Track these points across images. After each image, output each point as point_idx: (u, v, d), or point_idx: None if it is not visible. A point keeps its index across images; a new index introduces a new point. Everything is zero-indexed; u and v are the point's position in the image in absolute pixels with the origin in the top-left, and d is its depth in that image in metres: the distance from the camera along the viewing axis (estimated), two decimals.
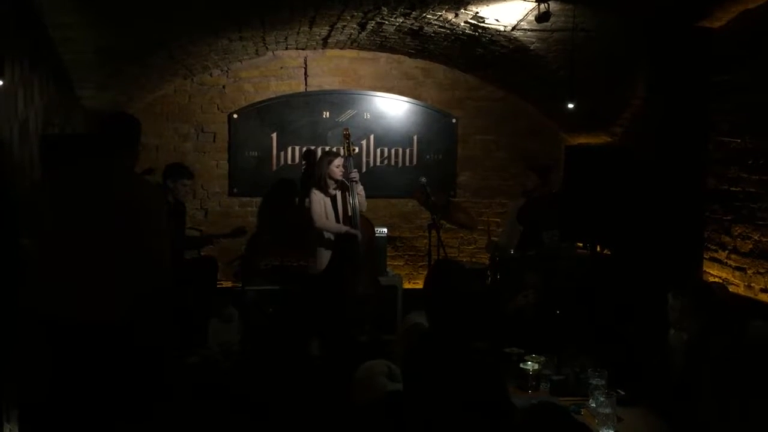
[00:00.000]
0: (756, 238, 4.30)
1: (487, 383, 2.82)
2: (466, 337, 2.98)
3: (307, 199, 5.74)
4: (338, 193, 5.71)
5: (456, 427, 2.69)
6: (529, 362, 3.40)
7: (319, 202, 5.61)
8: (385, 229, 6.41)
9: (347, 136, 5.88)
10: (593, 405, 2.99)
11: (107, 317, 3.04)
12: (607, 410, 2.89)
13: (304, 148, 6.72)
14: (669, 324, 3.40)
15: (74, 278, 3.05)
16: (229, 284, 6.39)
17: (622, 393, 3.10)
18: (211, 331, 5.74)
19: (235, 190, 6.71)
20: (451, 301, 2.95)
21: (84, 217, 3.08)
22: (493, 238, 6.15)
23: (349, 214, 5.64)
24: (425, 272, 4.50)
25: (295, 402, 4.72)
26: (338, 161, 5.66)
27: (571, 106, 4.87)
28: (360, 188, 5.68)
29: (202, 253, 6.09)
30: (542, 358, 3.43)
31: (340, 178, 5.63)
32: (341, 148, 6.06)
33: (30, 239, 3.30)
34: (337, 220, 5.65)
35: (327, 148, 6.62)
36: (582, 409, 3.04)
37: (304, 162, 6.66)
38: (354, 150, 6.02)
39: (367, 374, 3.47)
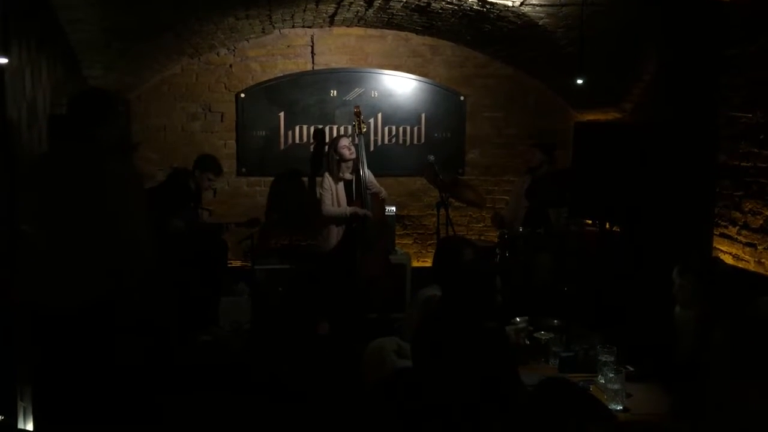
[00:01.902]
0: (767, 213, 4.27)
1: (496, 360, 2.83)
2: (475, 313, 2.99)
3: (318, 179, 5.78)
4: (353, 178, 5.74)
5: (464, 404, 2.70)
6: (542, 331, 3.44)
7: (330, 190, 5.65)
8: (394, 208, 6.42)
9: (358, 114, 5.91)
10: (602, 381, 3.00)
11: (88, 301, 3.08)
12: (616, 386, 2.90)
13: (313, 128, 6.71)
14: (675, 301, 3.40)
15: (53, 264, 3.10)
16: (238, 264, 6.43)
17: (631, 369, 3.10)
18: (221, 310, 5.78)
19: (243, 170, 6.71)
20: (460, 275, 2.96)
21: (56, 203, 3.11)
22: (498, 210, 6.16)
23: (362, 193, 5.68)
24: (434, 250, 4.52)
25: (305, 380, 4.76)
26: (344, 141, 5.70)
27: (580, 82, 4.83)
28: (383, 193, 5.84)
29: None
30: (551, 335, 3.45)
31: (351, 157, 5.66)
32: (352, 126, 6.07)
33: (28, 226, 3.32)
34: (351, 202, 5.70)
35: (335, 127, 6.64)
36: (591, 386, 3.05)
37: (313, 141, 6.67)
38: (363, 128, 6.03)
39: (377, 352, 3.49)
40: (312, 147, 6.68)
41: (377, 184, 5.91)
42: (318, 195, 5.81)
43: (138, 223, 3.19)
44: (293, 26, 6.49)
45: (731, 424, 2.33)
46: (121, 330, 3.23)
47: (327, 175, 5.73)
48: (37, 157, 3.63)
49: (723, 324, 2.49)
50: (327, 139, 6.51)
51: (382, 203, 5.91)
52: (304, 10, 5.83)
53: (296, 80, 6.67)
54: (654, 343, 3.40)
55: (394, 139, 6.84)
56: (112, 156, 3.24)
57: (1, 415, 3.35)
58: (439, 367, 2.81)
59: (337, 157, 5.66)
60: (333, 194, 5.67)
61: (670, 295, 3.36)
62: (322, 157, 6.25)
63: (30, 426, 3.54)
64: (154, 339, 4.68)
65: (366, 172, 5.77)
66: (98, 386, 3.17)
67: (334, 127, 6.68)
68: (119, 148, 3.68)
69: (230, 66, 6.61)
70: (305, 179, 6.66)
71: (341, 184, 5.71)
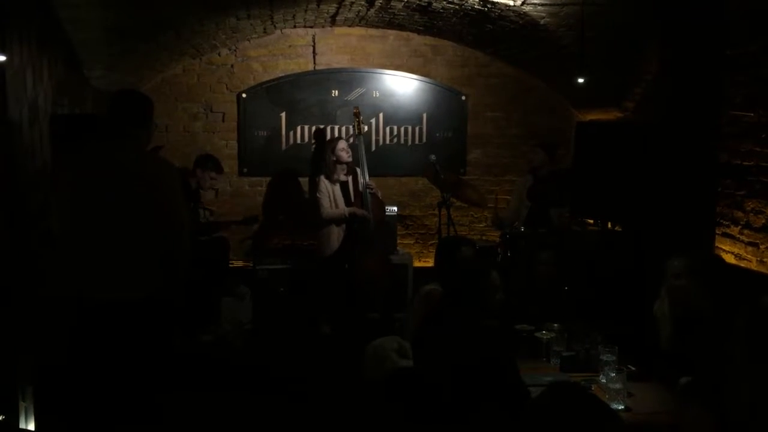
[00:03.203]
0: None
1: (497, 360, 2.82)
2: (475, 310, 2.99)
3: (316, 179, 5.78)
4: (349, 179, 5.74)
5: (465, 404, 2.70)
6: (544, 330, 3.44)
7: (326, 191, 5.64)
8: (395, 208, 6.41)
9: (357, 114, 5.91)
10: (603, 381, 2.99)
11: (131, 294, 3.07)
12: (618, 386, 2.89)
13: (314, 128, 6.71)
14: (658, 295, 3.42)
15: (98, 257, 3.07)
16: (240, 264, 6.43)
17: (633, 369, 3.10)
18: (223, 310, 5.78)
19: (244, 170, 6.72)
20: (458, 272, 2.95)
21: (102, 197, 3.08)
22: (499, 209, 6.17)
23: (361, 194, 5.68)
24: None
25: (306, 379, 4.76)
26: (341, 144, 5.70)
27: (581, 80, 4.82)
28: (379, 195, 5.83)
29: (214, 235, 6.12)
30: (552, 334, 3.44)
31: (348, 160, 5.66)
32: (351, 126, 6.08)
33: (53, 221, 3.30)
34: (349, 202, 5.69)
35: (336, 127, 6.64)
36: (593, 385, 3.04)
37: (314, 141, 6.67)
38: (364, 129, 6.02)
39: (378, 351, 3.48)
40: (312, 147, 6.68)
41: (374, 186, 5.87)
42: (316, 187, 5.80)
43: (181, 217, 3.23)
44: (294, 26, 6.49)
45: (751, 411, 2.32)
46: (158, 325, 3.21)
47: (322, 177, 5.70)
48: (70, 154, 3.60)
49: (742, 313, 2.49)
50: (326, 139, 6.50)
51: (381, 204, 5.91)
52: (306, 10, 5.83)
53: (298, 80, 6.67)
54: (653, 341, 3.40)
55: (395, 139, 6.84)
56: (151, 153, 3.26)
57: (3, 415, 3.35)
58: (440, 365, 2.81)
59: (334, 159, 5.65)
60: (330, 197, 5.67)
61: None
62: (321, 157, 6.25)
63: (31, 426, 3.54)
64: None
65: (366, 179, 5.75)
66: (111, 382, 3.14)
67: (336, 127, 6.68)
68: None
69: (232, 66, 6.61)
70: (305, 179, 6.66)
71: (337, 186, 5.71)
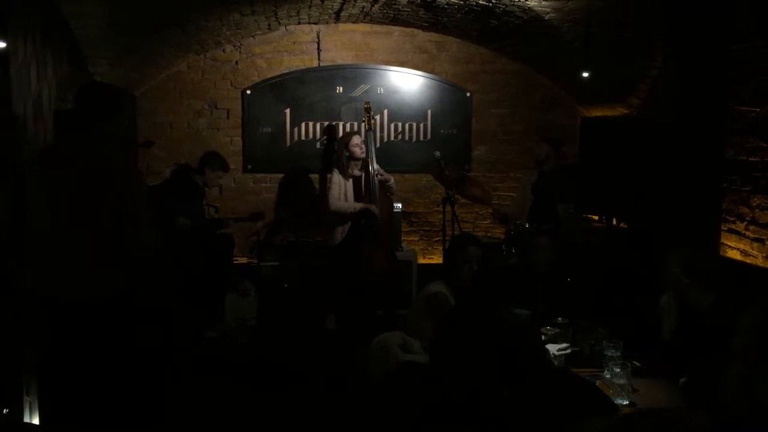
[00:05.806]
0: None
1: (525, 352, 2.78)
2: (492, 307, 2.97)
3: (328, 175, 5.79)
4: (362, 174, 5.74)
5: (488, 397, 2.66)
6: (548, 327, 3.43)
7: (338, 184, 5.66)
8: (400, 205, 6.41)
9: (368, 110, 5.91)
10: (608, 376, 2.98)
11: (98, 293, 3.08)
12: (622, 381, 2.88)
13: (325, 124, 6.70)
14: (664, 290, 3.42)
15: (61, 255, 3.08)
16: (245, 260, 6.43)
17: (638, 364, 3.09)
18: (227, 306, 5.79)
19: (249, 167, 6.71)
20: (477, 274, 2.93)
21: (65, 193, 3.10)
22: (502, 206, 6.14)
23: (371, 189, 5.68)
24: (440, 247, 4.49)
25: (310, 375, 4.76)
26: (356, 139, 5.70)
27: (585, 75, 4.80)
28: (391, 181, 5.76)
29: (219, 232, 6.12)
30: (557, 329, 3.43)
31: (362, 155, 5.66)
32: (361, 122, 6.07)
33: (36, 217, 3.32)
34: (358, 198, 5.68)
35: (341, 124, 6.63)
36: (597, 381, 3.02)
37: (325, 137, 6.67)
38: (374, 123, 6.02)
39: (382, 345, 3.47)
40: (323, 143, 6.68)
41: (384, 172, 5.83)
42: (328, 182, 5.82)
43: (138, 214, 3.17)
44: (299, 22, 6.49)
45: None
46: (128, 324, 3.22)
47: (336, 172, 5.73)
48: (41, 149, 3.63)
49: (751, 311, 2.48)
50: (338, 135, 6.51)
51: (390, 200, 5.90)
52: (310, 6, 5.82)
53: (302, 77, 6.67)
54: (655, 333, 3.40)
55: (400, 136, 6.83)
56: (109, 147, 3.23)
57: (7, 408, 3.35)
58: (460, 365, 2.77)
59: (347, 154, 5.67)
60: (341, 189, 5.67)
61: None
62: (332, 153, 6.25)
63: (36, 420, 3.54)
64: (159, 333, 4.70)
65: (375, 167, 5.75)
66: (109, 380, 3.16)
67: (340, 124, 6.68)
68: (123, 143, 3.67)
69: (236, 62, 6.61)
70: (315, 176, 6.66)
71: (350, 181, 5.72)
